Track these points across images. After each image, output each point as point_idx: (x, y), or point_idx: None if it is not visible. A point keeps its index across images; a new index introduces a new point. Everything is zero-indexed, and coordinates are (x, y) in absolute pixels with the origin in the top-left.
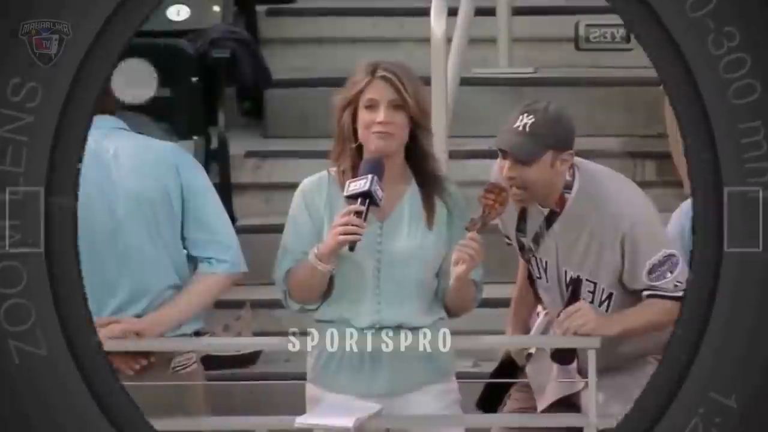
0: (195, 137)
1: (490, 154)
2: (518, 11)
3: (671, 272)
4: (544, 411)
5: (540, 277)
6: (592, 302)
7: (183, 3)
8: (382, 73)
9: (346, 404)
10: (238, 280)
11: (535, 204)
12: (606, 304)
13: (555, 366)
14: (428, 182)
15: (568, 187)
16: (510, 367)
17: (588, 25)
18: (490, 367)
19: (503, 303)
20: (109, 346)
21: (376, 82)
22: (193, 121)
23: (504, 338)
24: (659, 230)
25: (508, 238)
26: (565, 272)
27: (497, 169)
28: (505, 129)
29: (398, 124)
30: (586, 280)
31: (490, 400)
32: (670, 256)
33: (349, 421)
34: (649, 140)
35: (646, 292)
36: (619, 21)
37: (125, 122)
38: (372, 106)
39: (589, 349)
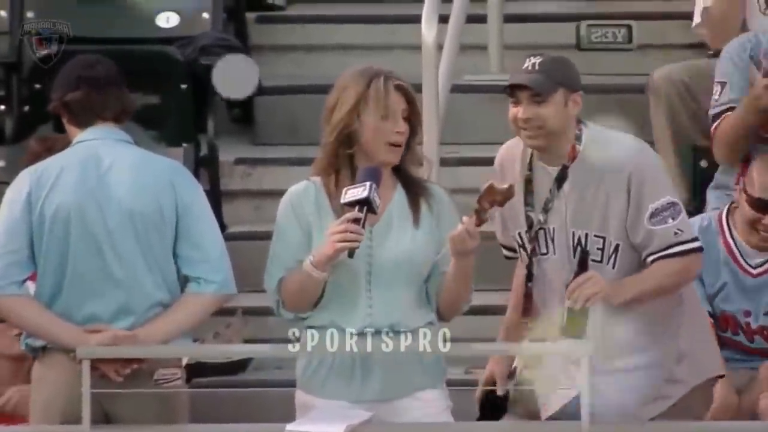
0: (184, 144)
1: (482, 162)
2: (509, 18)
3: (673, 219)
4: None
5: (546, 252)
6: (600, 260)
7: (172, 10)
8: (397, 82)
9: (339, 411)
10: (227, 299)
11: (543, 167)
12: (613, 257)
13: (560, 375)
14: (413, 185)
15: (578, 139)
16: (491, 407)
17: (589, 26)
18: (482, 374)
19: (495, 310)
20: (102, 352)
21: (392, 93)
22: (182, 128)
23: (496, 346)
24: (665, 179)
25: (505, 247)
26: (573, 233)
27: (511, 117)
28: (515, 73)
29: (406, 134)
30: (594, 236)
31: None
32: (674, 203)
33: (340, 428)
34: None
35: (650, 258)
36: (621, 21)
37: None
38: (387, 116)
39: (583, 355)
